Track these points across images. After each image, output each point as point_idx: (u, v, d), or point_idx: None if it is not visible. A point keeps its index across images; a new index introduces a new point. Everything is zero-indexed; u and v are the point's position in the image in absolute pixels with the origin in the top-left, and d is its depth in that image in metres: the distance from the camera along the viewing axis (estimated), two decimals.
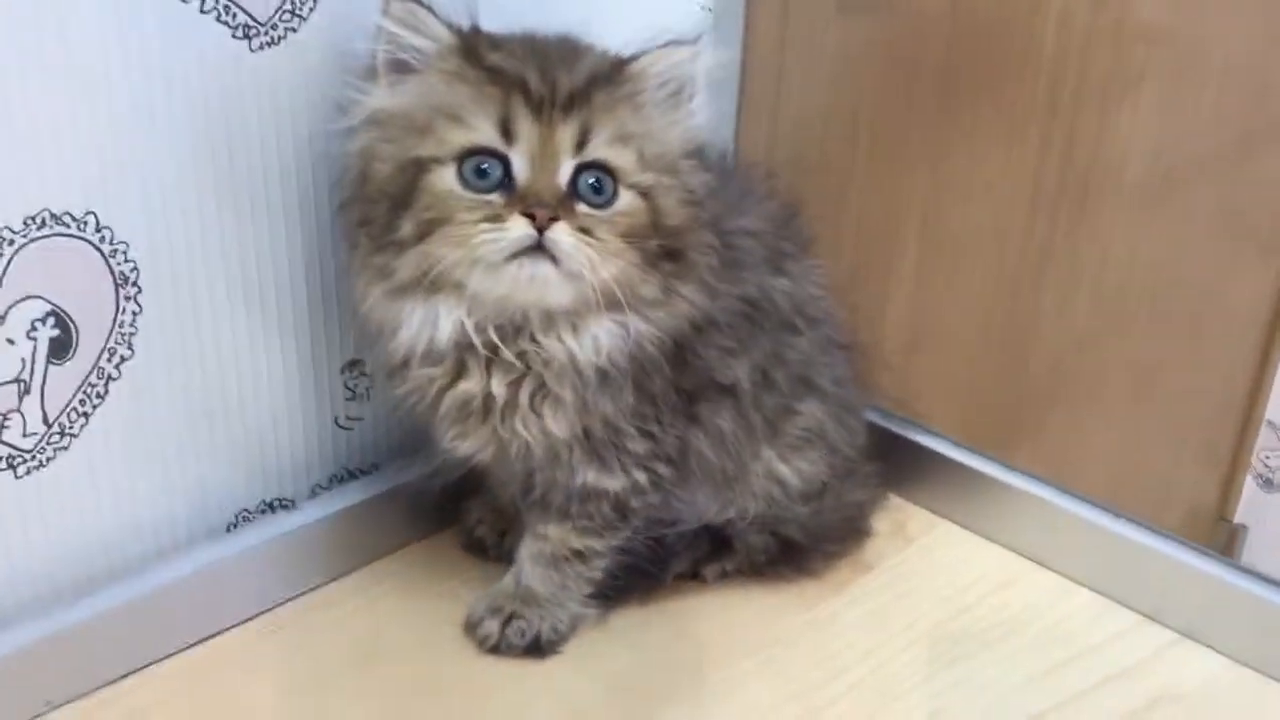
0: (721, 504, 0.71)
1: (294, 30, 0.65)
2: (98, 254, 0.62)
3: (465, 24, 0.60)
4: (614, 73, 0.60)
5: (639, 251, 0.59)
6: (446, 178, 0.58)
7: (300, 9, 0.64)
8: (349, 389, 0.75)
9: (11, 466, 0.62)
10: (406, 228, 0.58)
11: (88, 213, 0.60)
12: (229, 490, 0.72)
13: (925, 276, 0.93)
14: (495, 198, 0.57)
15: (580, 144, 0.58)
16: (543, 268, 0.57)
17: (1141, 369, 0.89)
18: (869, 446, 0.79)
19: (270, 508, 0.74)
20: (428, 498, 0.77)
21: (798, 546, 0.74)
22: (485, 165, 0.57)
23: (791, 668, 0.70)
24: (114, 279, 0.63)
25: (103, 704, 0.65)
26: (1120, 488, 0.82)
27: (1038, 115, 1.11)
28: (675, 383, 0.65)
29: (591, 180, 0.58)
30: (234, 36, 0.63)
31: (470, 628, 0.70)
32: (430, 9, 0.59)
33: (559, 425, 0.63)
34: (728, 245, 0.64)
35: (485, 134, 0.57)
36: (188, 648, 0.69)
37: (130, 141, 0.61)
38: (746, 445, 0.70)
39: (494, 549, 0.77)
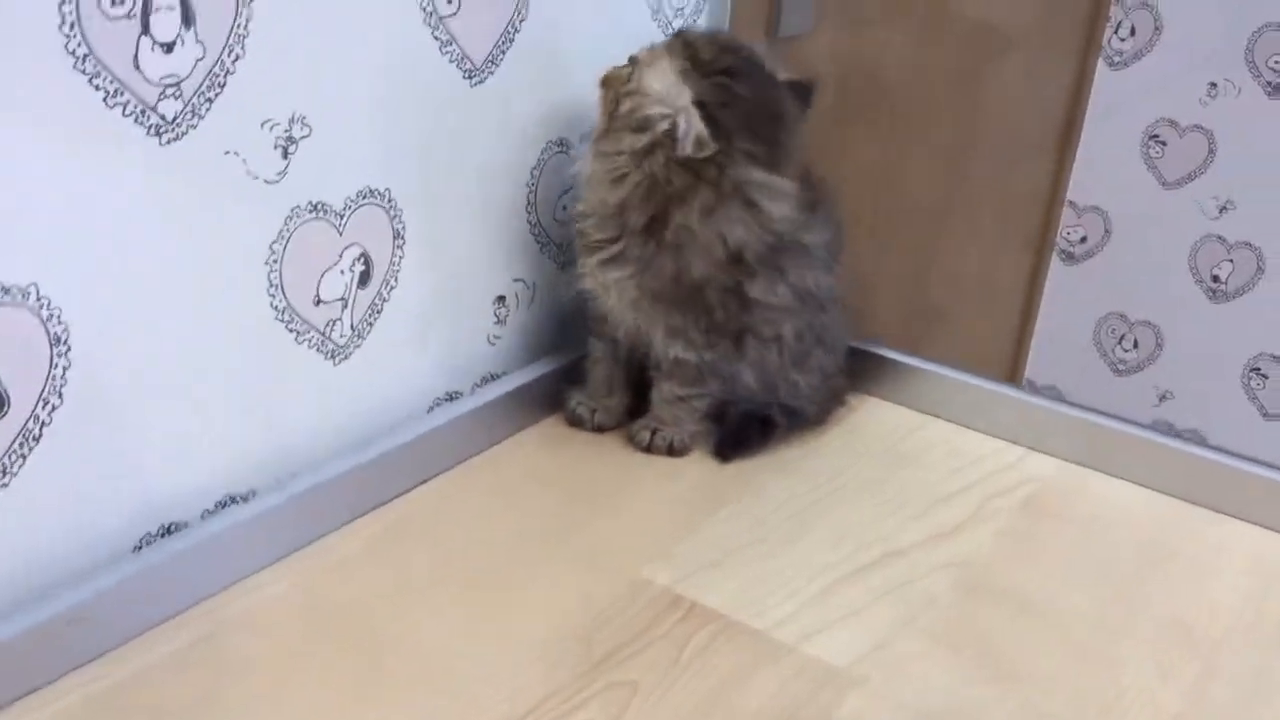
0: (765, 391, 1.10)
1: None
2: (387, 216, 0.96)
3: None
4: None
5: None
6: None
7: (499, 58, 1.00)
8: (496, 316, 1.11)
9: (333, 357, 0.95)
10: None
11: (386, 187, 0.94)
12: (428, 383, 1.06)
13: None
14: None
15: None
16: None
17: (949, 318, 1.34)
18: None
19: (450, 397, 1.09)
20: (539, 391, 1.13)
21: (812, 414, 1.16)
22: None
23: (802, 473, 1.10)
24: (393, 232, 0.97)
25: (397, 508, 0.98)
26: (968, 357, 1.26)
27: (880, 131, 1.59)
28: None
29: None
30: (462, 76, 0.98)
31: (630, 437, 1.10)
32: None
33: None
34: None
35: None
36: (429, 479, 1.03)
37: (405, 144, 0.95)
38: (783, 369, 1.09)
39: (588, 422, 1.13)
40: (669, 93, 0.97)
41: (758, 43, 1.25)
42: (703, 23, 1.23)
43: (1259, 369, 2.27)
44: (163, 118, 0.76)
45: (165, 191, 0.79)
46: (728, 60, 0.99)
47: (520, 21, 1.01)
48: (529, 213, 1.10)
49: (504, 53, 1.00)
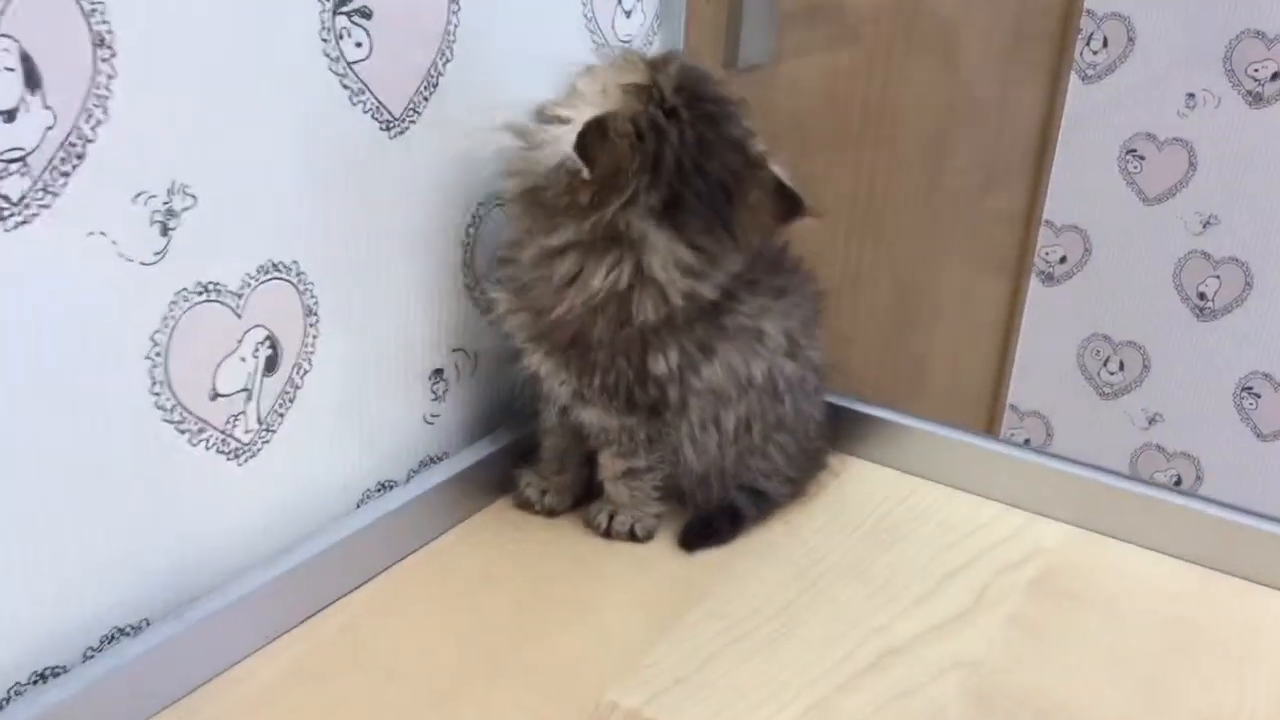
0: (715, 474, 0.98)
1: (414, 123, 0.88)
2: (296, 292, 0.83)
3: None
4: None
5: None
6: None
7: (419, 107, 0.88)
8: (433, 393, 0.98)
9: (237, 456, 0.82)
10: None
11: (294, 260, 0.82)
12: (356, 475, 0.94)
13: None
14: None
15: None
16: None
17: (928, 350, 1.23)
18: None
19: (382, 488, 0.96)
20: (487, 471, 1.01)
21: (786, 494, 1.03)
22: None
23: (783, 557, 0.98)
24: (304, 309, 0.84)
25: (321, 624, 0.85)
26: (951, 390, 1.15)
27: (848, 162, 1.48)
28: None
29: None
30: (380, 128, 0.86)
31: (588, 521, 0.98)
32: None
33: None
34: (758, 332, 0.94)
35: None
36: (360, 585, 0.90)
37: (314, 209, 0.83)
38: (739, 458, 0.97)
39: (538, 503, 1.01)
40: (589, 99, 0.84)
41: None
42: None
43: (1251, 388, 2.17)
44: (5, 199, 0.64)
45: (15, 285, 0.66)
46: (682, 99, 0.84)
47: (444, 64, 0.89)
48: (466, 274, 0.98)
49: (426, 99, 0.88)
